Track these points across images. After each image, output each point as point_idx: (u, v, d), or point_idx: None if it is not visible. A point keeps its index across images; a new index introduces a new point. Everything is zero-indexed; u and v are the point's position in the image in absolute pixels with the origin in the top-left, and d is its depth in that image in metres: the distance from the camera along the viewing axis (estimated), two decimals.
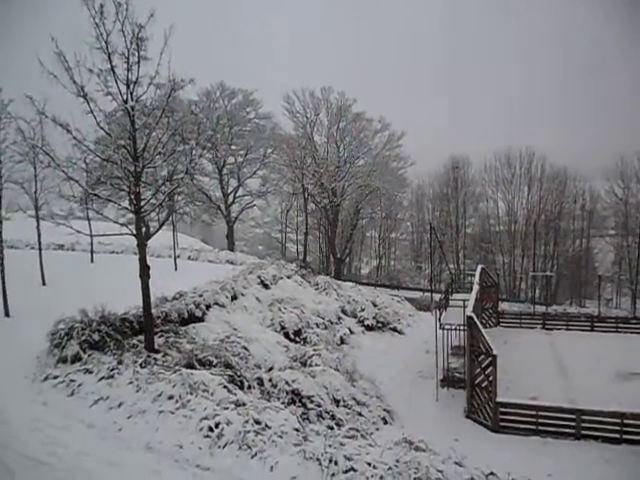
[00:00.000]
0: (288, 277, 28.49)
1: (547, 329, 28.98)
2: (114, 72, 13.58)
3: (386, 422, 16.53)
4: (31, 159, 19.66)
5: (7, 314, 18.75)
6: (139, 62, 13.70)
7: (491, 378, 17.08)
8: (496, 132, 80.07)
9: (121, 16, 13.19)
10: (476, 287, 24.65)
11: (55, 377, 13.13)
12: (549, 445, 15.70)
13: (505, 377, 18.52)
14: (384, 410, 17.03)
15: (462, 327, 20.06)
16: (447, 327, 21.06)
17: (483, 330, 18.13)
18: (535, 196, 58.41)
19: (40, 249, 25.41)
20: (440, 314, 22.01)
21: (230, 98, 50.70)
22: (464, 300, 21.14)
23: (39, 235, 24.99)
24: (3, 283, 18.90)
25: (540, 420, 16.44)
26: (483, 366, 17.53)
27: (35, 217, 23.43)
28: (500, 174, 60.09)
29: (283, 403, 14.09)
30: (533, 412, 16.64)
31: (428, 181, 65.74)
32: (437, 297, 29.15)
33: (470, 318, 18.34)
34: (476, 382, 17.84)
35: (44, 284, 24.56)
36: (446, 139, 79.78)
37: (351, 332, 25.33)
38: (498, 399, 17.00)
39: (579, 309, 42.66)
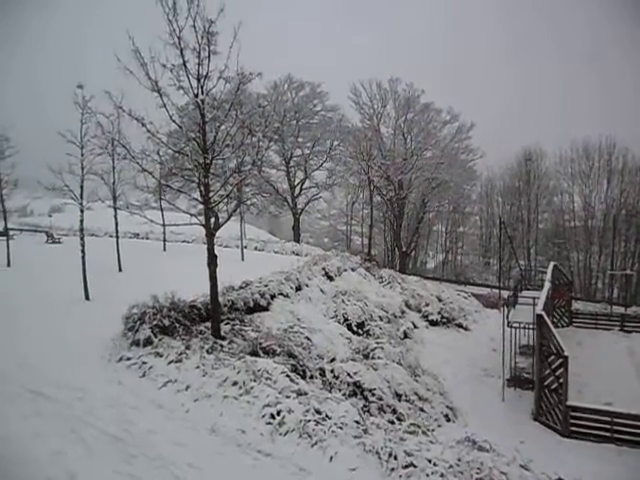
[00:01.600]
0: (352, 269, 28.50)
1: (625, 331, 27.38)
2: (186, 67, 14.03)
3: (449, 419, 16.26)
4: (110, 152, 20.69)
5: (87, 298, 19.92)
6: (209, 56, 14.07)
7: (562, 380, 16.35)
8: (572, 119, 76.01)
9: (193, 12, 13.62)
10: (547, 284, 23.62)
11: (129, 359, 13.82)
12: (625, 454, 14.82)
13: (577, 380, 17.69)
14: (447, 407, 16.76)
15: (531, 326, 19.31)
16: (515, 325, 20.33)
17: (554, 329, 17.36)
18: (615, 190, 54.82)
19: (117, 237, 26.84)
20: (508, 311, 21.27)
21: (297, 91, 51.04)
22: (534, 298, 20.32)
23: (116, 224, 26.43)
24: (84, 269, 20.07)
25: (615, 427, 15.55)
26: (553, 367, 16.80)
27: (113, 207, 24.73)
28: (577, 167, 56.90)
29: (344, 395, 14.18)
30: (608, 418, 15.75)
31: (498, 173, 63.36)
32: (505, 293, 28.19)
33: (540, 316, 17.60)
34: (545, 384, 17.14)
35: (120, 270, 25.89)
36: (519, 129, 76.59)
37: (415, 326, 25.01)
38: (569, 403, 16.25)
39: None
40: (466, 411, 17.08)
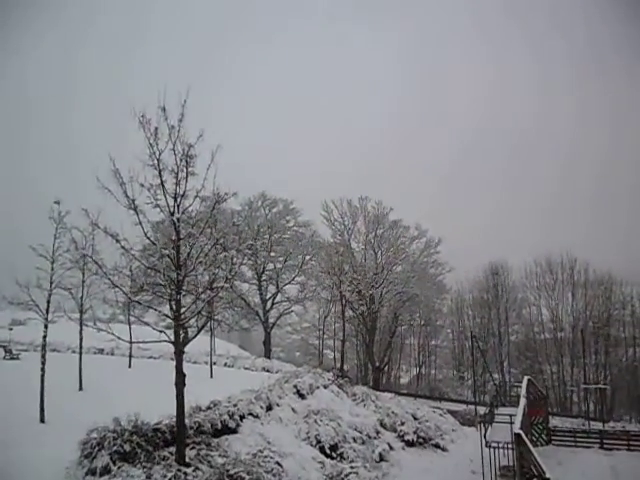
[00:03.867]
0: (325, 387, 27.71)
1: (606, 449, 26.71)
2: (163, 187, 14.57)
3: None
4: (81, 266, 20.56)
5: (42, 420, 18.62)
6: (187, 177, 14.70)
7: None
8: (533, 238, 79.58)
9: (173, 137, 14.42)
10: (523, 400, 23.29)
11: None
12: None
13: None
14: None
15: (510, 445, 18.71)
16: (493, 445, 19.67)
17: (533, 449, 16.85)
18: (580, 302, 56.50)
19: (80, 353, 25.77)
20: (485, 430, 20.70)
21: (271, 207, 52.73)
22: (511, 415, 19.92)
23: (81, 339, 25.48)
24: (42, 388, 18.99)
25: None
26: None
27: (79, 321, 24.02)
28: (542, 280, 58.99)
29: None
30: None
31: (467, 287, 64.99)
32: (481, 410, 27.55)
33: (518, 436, 17.14)
34: None
35: (81, 389, 24.57)
36: (484, 244, 79.73)
37: (390, 448, 23.88)
38: None
39: None
40: None
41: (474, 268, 63.10)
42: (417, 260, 51.18)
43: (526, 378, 28.27)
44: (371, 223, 50.47)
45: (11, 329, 50.90)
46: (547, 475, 15.67)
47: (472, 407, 37.02)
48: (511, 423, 18.86)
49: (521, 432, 17.28)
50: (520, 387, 27.58)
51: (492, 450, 19.72)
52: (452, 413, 34.87)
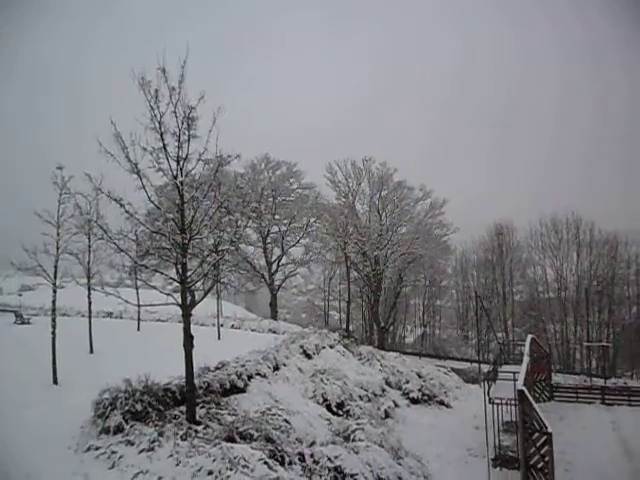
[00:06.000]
0: (331, 347, 28.13)
1: (607, 404, 27.22)
2: (166, 150, 14.43)
3: None
4: (86, 231, 20.60)
5: (55, 382, 19.08)
6: (189, 140, 14.54)
7: (547, 459, 15.90)
8: (542, 197, 79.03)
9: (174, 99, 14.19)
10: (526, 358, 23.56)
11: (97, 448, 13.12)
12: None
13: (563, 458, 17.34)
14: None
15: (513, 401, 19.06)
16: (497, 401, 20.06)
17: (536, 405, 17.14)
18: (585, 262, 56.49)
19: (90, 317, 26.15)
20: (489, 387, 21.04)
21: (274, 170, 52.34)
22: (514, 372, 20.20)
23: (90, 304, 25.77)
24: (54, 351, 19.38)
25: None
26: (538, 445, 16.40)
27: (87, 286, 24.27)
28: (547, 240, 58.82)
29: None
30: None
31: (472, 247, 65.05)
32: (485, 368, 27.96)
33: (521, 392, 17.40)
34: (531, 463, 16.63)
35: (92, 352, 25.03)
36: (490, 204, 79.29)
37: (396, 405, 24.43)
38: None
39: None
40: None
41: (478, 228, 63.08)
42: (422, 221, 50.95)
43: (530, 337, 28.54)
44: (375, 184, 50.03)
45: (21, 295, 51.72)
46: (549, 429, 15.98)
47: (476, 365, 37.48)
48: (514, 380, 19.13)
49: (524, 388, 17.54)
50: (524, 345, 27.89)
51: (495, 406, 20.12)
52: (456, 371, 35.45)
